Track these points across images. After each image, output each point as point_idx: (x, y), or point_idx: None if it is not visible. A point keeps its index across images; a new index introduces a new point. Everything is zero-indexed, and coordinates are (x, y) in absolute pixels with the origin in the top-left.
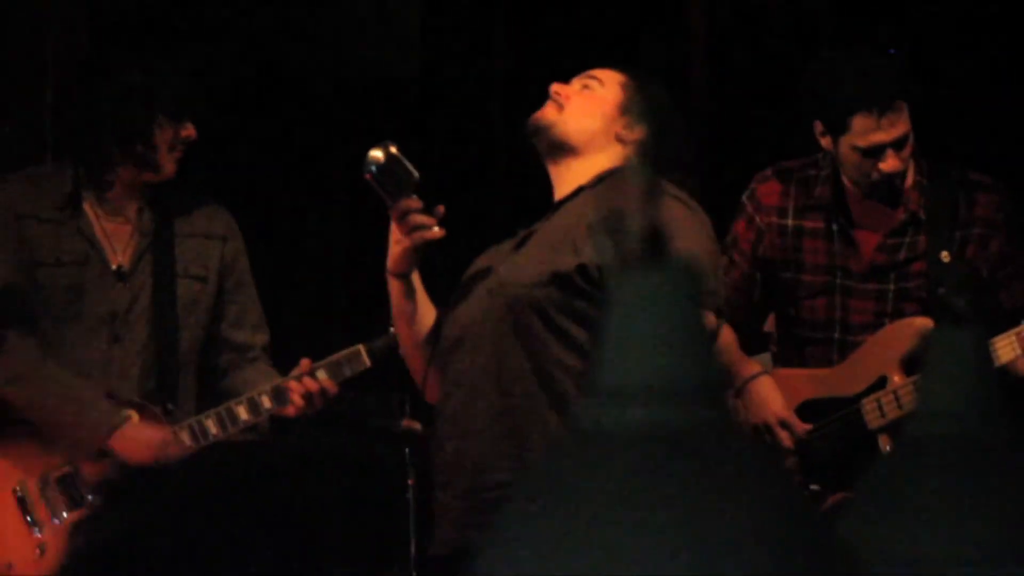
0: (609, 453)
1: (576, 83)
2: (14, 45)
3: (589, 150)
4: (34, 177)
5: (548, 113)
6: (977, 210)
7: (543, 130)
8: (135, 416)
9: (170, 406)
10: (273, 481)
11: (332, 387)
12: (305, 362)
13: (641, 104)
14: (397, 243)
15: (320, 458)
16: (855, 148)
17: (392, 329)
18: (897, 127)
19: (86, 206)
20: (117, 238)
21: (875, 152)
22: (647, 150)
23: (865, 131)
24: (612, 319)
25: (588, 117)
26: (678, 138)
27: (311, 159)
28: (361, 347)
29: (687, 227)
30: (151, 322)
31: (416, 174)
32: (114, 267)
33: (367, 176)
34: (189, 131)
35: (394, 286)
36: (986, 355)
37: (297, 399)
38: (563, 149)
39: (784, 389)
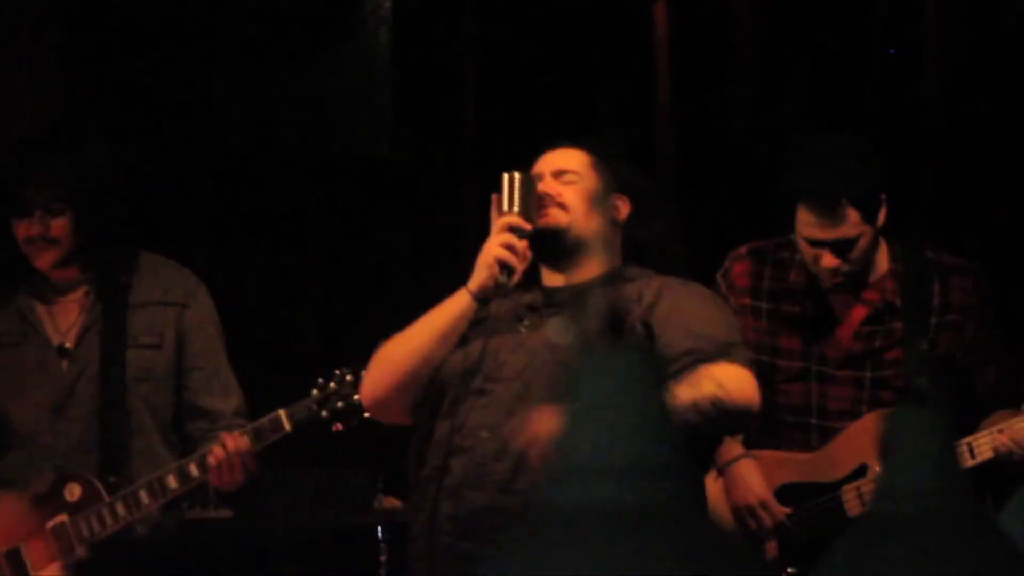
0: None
1: (553, 181)
2: None
3: (599, 244)
4: None
5: (558, 216)
6: (952, 296)
7: (560, 234)
8: (76, 490)
9: (112, 478)
10: (247, 559)
11: (249, 456)
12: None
13: (620, 179)
14: (488, 266)
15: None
16: (801, 236)
17: (314, 391)
18: (838, 230)
19: (25, 288)
20: (62, 316)
21: (816, 245)
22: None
23: (806, 224)
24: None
25: (593, 213)
26: (657, 198)
27: (286, 234)
28: (282, 412)
29: (714, 300)
30: (97, 395)
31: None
32: (56, 345)
33: (512, 181)
34: (35, 229)
35: (467, 307)
36: (949, 434)
37: (213, 465)
38: (578, 248)
39: (764, 471)
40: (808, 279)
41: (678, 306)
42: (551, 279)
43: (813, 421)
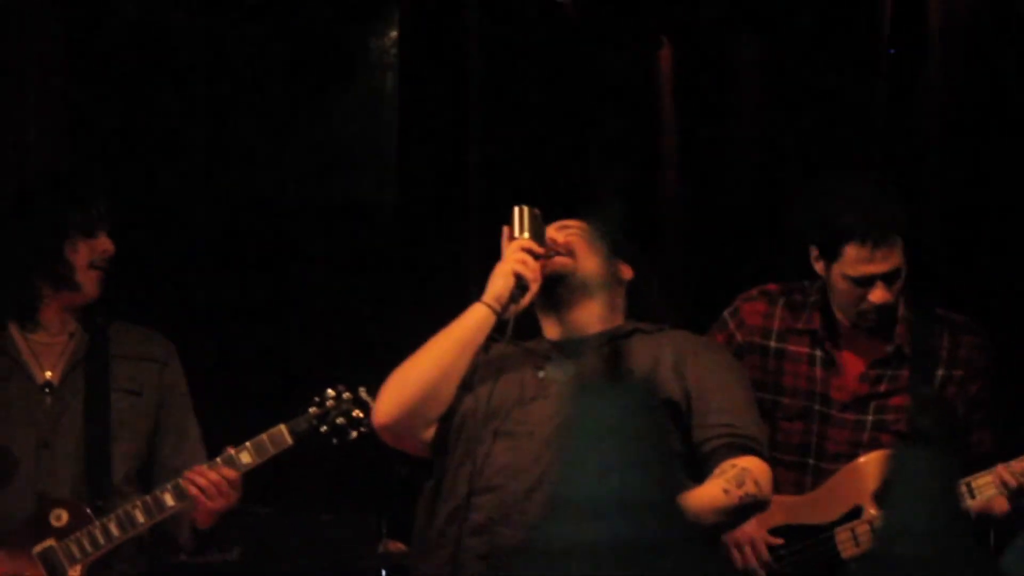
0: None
1: (556, 233)
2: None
3: (603, 290)
4: None
5: (564, 262)
6: (961, 352)
7: (566, 276)
8: (63, 515)
9: (99, 503)
10: None
11: (236, 482)
12: (228, 449)
13: (618, 246)
14: (504, 276)
15: None
16: (845, 276)
17: (312, 408)
18: (889, 260)
19: (12, 326)
20: (46, 355)
21: (865, 282)
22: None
23: (857, 261)
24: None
25: (598, 260)
26: (652, 267)
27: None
28: (283, 426)
29: (740, 369)
30: (83, 430)
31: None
32: (41, 382)
33: (522, 213)
34: (105, 245)
35: (483, 317)
36: (951, 475)
37: (205, 486)
38: (583, 291)
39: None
40: (822, 320)
41: (711, 369)
42: (552, 330)
43: (811, 462)
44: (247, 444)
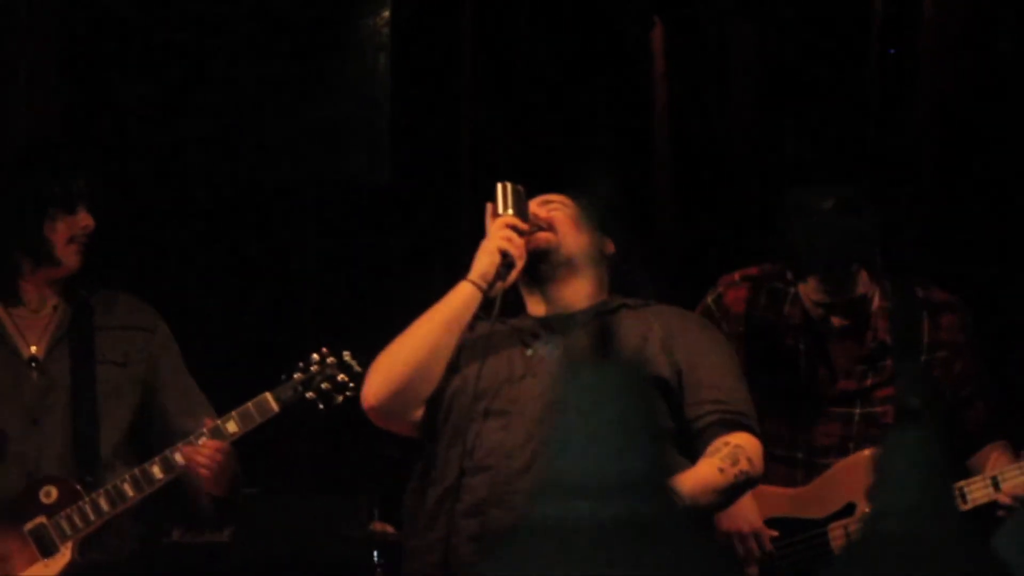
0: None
1: (539, 208)
2: None
3: (588, 265)
4: None
5: (548, 237)
6: (942, 334)
7: (550, 252)
8: (53, 491)
9: (89, 478)
10: None
11: (220, 445)
12: (207, 421)
13: (602, 220)
14: (490, 253)
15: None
16: (810, 300)
17: (297, 374)
18: (849, 292)
19: None
20: (30, 330)
21: (826, 308)
22: (624, 261)
23: (817, 291)
24: (560, 413)
25: (582, 235)
26: (635, 244)
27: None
28: (268, 394)
29: (726, 344)
30: (69, 406)
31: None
32: (26, 356)
33: (505, 189)
34: (86, 221)
35: (470, 295)
36: (942, 451)
37: (195, 460)
38: (568, 267)
39: (758, 501)
40: (803, 313)
41: (700, 346)
42: (537, 307)
43: (800, 456)
44: (232, 413)
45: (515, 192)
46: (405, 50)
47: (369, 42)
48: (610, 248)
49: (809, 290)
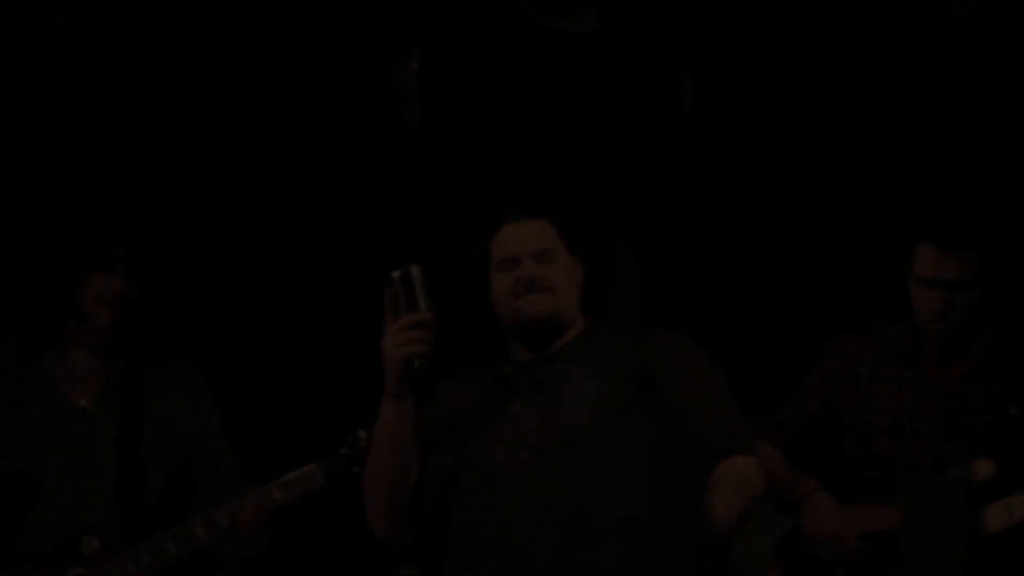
0: None
1: (534, 264)
2: None
3: (577, 314)
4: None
5: (547, 303)
6: None
7: (551, 319)
8: (95, 542)
9: (131, 531)
10: None
11: (261, 512)
12: (250, 489)
13: (579, 242)
14: (397, 369)
15: None
16: (915, 278)
17: (343, 450)
18: (958, 268)
19: (47, 354)
20: (80, 382)
21: (931, 285)
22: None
23: (924, 262)
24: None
25: (573, 290)
26: (609, 256)
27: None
28: (315, 466)
29: (710, 367)
30: (116, 459)
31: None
32: (76, 407)
33: (407, 278)
34: (116, 285)
35: (400, 410)
36: None
37: (237, 520)
38: (566, 325)
39: (849, 516)
40: (913, 341)
41: (684, 372)
42: (522, 353)
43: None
44: (278, 481)
45: (406, 281)
46: (434, 99)
47: (397, 92)
48: (581, 275)
49: (917, 265)
